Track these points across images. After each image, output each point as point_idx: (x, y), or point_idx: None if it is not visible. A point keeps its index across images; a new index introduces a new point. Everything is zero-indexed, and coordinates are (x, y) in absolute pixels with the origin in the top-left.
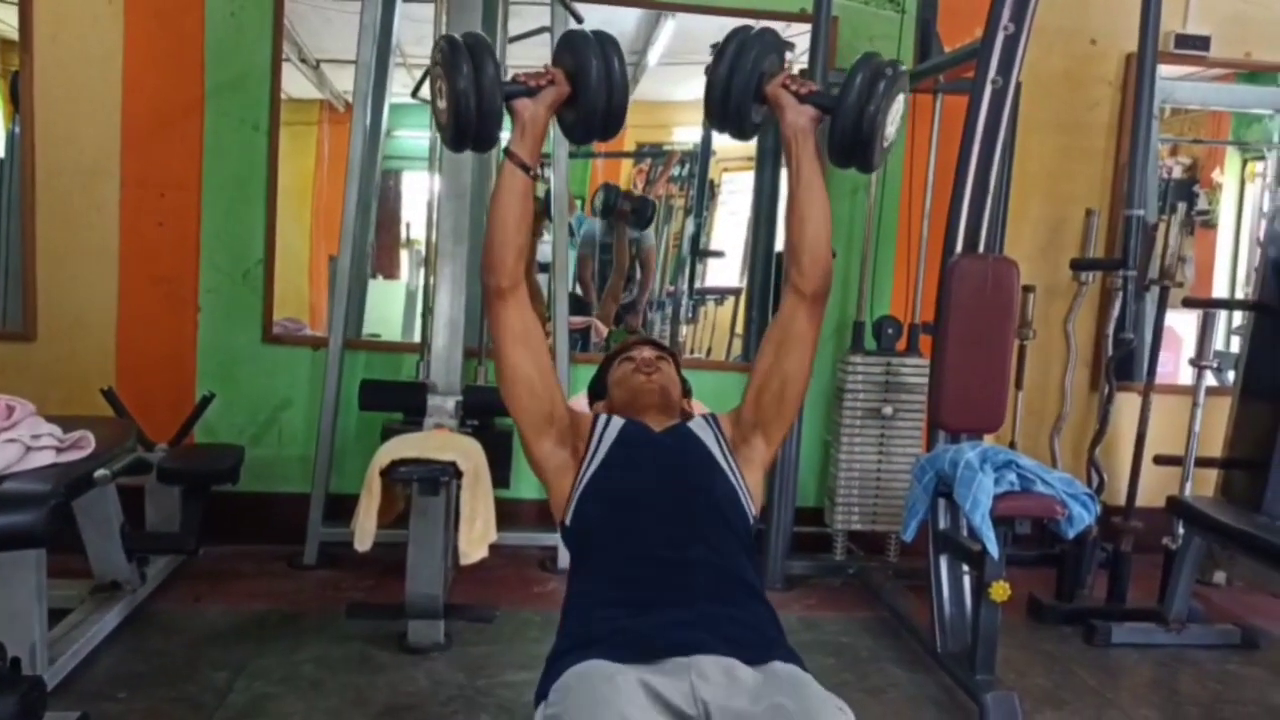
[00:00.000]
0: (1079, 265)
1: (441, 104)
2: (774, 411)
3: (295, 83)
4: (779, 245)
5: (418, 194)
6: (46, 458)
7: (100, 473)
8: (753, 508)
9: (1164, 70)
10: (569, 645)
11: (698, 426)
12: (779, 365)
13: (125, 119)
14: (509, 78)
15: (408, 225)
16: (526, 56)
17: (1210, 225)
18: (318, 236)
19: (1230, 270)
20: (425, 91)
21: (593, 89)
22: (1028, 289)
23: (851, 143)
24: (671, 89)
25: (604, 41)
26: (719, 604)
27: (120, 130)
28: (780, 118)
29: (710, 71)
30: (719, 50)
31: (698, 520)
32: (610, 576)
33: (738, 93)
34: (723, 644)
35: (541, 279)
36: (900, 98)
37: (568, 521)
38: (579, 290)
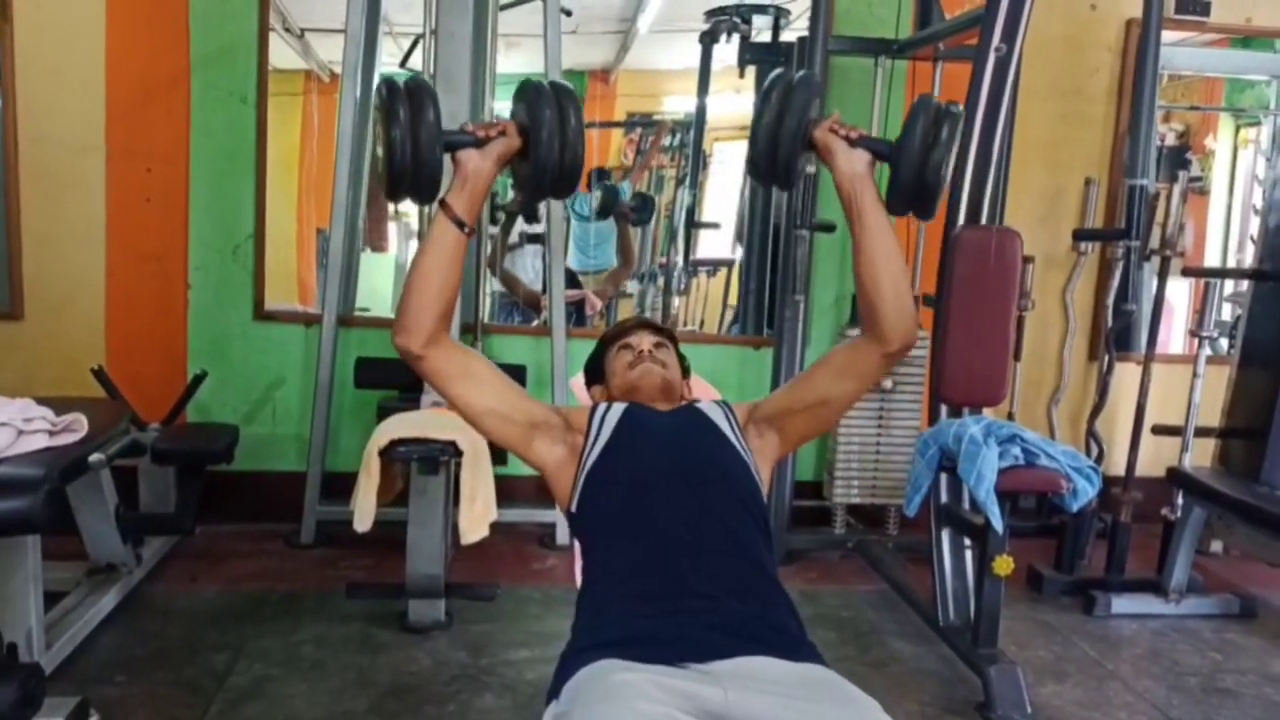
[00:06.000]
0: (1082, 236)
1: (380, 151)
2: (803, 426)
3: (279, 53)
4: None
5: None
6: (39, 441)
7: (95, 457)
8: (764, 487)
9: (1162, 36)
10: (583, 645)
11: (707, 407)
12: (829, 389)
13: (110, 92)
14: (459, 126)
15: None
16: (518, 24)
17: (1203, 192)
18: (305, 210)
19: (1223, 237)
20: (415, 60)
21: (544, 144)
22: (1027, 260)
23: (915, 192)
24: (662, 57)
25: (560, 93)
26: (740, 601)
27: (105, 103)
28: (832, 166)
29: (754, 122)
30: (761, 99)
31: (712, 499)
32: (624, 567)
33: (786, 142)
34: (747, 645)
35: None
36: None
37: (574, 509)
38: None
